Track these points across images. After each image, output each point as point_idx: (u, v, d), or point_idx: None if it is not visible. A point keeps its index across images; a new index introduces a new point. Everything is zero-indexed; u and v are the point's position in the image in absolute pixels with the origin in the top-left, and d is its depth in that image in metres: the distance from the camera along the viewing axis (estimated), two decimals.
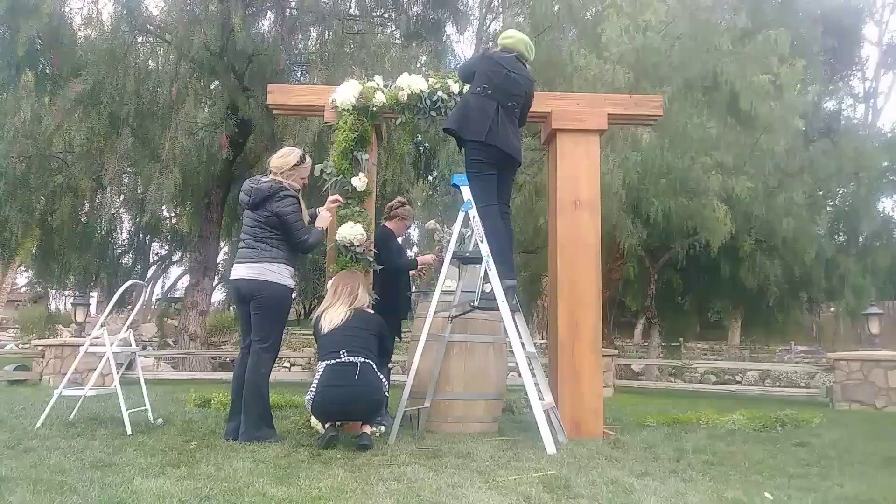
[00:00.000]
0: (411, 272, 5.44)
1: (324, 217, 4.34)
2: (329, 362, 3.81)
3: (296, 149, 4.44)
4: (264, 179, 4.24)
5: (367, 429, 3.85)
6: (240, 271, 4.16)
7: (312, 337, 4.29)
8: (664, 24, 9.97)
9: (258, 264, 4.12)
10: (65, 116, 9.71)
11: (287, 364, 14.00)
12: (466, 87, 4.65)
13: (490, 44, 4.57)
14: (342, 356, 3.79)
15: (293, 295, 4.76)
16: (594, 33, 10.25)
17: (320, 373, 3.81)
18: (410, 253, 10.07)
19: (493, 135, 4.30)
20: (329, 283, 4.26)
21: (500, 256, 4.29)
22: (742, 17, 10.67)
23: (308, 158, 4.40)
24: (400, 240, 5.56)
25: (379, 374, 3.92)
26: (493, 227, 4.36)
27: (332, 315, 3.98)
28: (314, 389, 3.79)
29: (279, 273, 4.13)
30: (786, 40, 10.33)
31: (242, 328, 4.32)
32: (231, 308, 16.30)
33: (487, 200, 4.39)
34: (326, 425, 3.85)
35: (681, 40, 10.01)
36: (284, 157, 4.29)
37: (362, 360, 3.81)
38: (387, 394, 4.22)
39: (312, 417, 4.28)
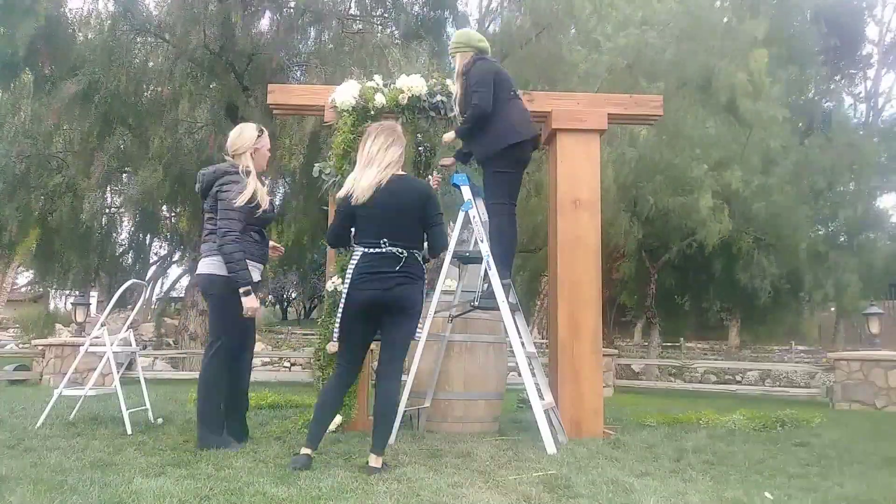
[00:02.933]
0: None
1: (248, 300, 3.70)
2: (367, 250, 3.28)
3: (248, 124, 4.01)
4: (220, 165, 3.94)
5: (378, 461, 3.16)
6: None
7: (314, 331, 4.09)
8: (660, 21, 9.96)
9: (206, 258, 3.89)
10: (61, 116, 9.69)
11: (287, 364, 13.99)
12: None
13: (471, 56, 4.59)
14: (383, 246, 3.26)
15: (265, 292, 4.55)
16: (591, 30, 10.24)
17: (357, 257, 3.30)
18: None
19: (532, 128, 4.46)
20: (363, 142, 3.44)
21: (501, 258, 4.29)
22: (734, 14, 10.66)
23: (264, 129, 4.00)
24: None
25: (423, 265, 3.42)
26: (500, 227, 4.36)
27: (364, 183, 3.28)
28: (348, 279, 3.29)
29: (217, 262, 3.81)
30: (764, 29, 10.28)
31: None
32: None
33: (501, 199, 4.39)
34: (302, 451, 3.20)
35: (677, 38, 10.00)
36: (240, 136, 3.88)
37: (405, 251, 3.28)
38: (399, 400, 3.83)
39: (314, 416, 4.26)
